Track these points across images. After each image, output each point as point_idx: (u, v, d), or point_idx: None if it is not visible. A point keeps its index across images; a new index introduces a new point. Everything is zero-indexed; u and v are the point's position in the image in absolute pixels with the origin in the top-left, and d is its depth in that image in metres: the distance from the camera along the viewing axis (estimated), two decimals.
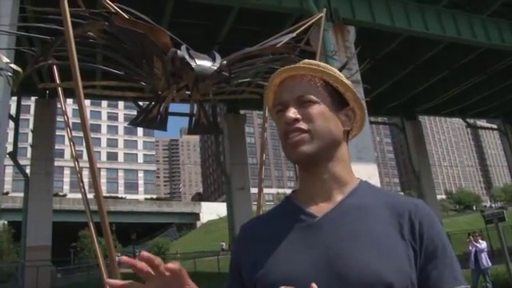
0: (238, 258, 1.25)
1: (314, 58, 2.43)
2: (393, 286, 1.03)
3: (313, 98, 1.21)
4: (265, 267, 1.14)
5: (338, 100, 1.25)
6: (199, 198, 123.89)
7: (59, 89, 3.84)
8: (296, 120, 1.19)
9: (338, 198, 1.19)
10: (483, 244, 13.83)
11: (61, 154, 78.07)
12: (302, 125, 1.19)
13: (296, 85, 1.24)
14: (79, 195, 3.53)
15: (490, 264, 13.60)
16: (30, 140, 24.23)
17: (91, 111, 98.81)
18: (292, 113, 1.19)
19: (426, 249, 1.10)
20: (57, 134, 23.88)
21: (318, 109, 1.20)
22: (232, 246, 1.32)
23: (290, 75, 1.27)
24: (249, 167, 26.41)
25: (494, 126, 41.82)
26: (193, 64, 3.47)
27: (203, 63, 3.53)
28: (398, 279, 1.04)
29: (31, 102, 31.37)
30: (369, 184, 1.26)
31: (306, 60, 1.30)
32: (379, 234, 1.10)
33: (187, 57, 3.48)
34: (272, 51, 3.95)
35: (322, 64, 1.27)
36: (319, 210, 1.18)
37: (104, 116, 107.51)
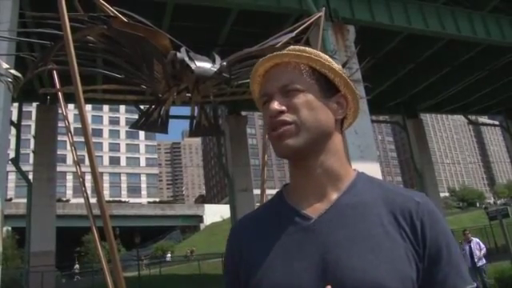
0: (233, 262, 1.20)
1: None
2: None
3: (298, 86, 1.14)
4: (259, 274, 1.08)
5: (327, 87, 1.17)
6: (202, 200, 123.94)
7: (60, 94, 3.84)
8: (281, 112, 1.12)
9: (333, 196, 1.13)
10: (474, 241, 13.76)
11: (63, 159, 78.09)
12: (288, 116, 1.11)
13: (280, 73, 1.17)
14: (82, 200, 3.52)
15: (484, 261, 13.59)
16: (32, 146, 24.24)
17: (93, 116, 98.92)
18: (276, 104, 1.12)
19: (429, 251, 1.05)
20: (59, 139, 23.87)
21: (304, 98, 1.13)
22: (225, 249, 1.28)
23: (274, 63, 1.20)
24: (251, 168, 26.36)
25: (496, 123, 41.75)
26: (193, 66, 3.46)
27: (203, 65, 3.53)
28: (398, 284, 0.99)
29: (33, 108, 31.40)
30: (367, 176, 1.19)
31: (292, 46, 1.23)
32: (378, 236, 1.05)
33: (187, 59, 3.48)
34: (272, 51, 3.93)
35: (308, 49, 1.20)
36: (313, 210, 1.11)
37: (105, 120, 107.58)
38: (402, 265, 1.02)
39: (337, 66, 1.18)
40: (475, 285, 1.08)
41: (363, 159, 13.46)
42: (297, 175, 1.18)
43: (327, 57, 1.20)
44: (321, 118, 1.13)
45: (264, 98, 1.19)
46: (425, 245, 1.05)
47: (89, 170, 2.81)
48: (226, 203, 57.03)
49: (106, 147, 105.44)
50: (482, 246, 13.76)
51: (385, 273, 1.00)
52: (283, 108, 1.12)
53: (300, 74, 1.16)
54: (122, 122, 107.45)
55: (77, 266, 45.03)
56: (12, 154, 20.85)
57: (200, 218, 72.59)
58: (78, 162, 3.54)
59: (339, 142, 1.19)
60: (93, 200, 3.29)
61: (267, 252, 1.10)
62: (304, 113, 1.12)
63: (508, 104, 31.18)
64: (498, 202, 78.95)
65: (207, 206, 78.21)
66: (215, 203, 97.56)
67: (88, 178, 3.66)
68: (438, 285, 1.05)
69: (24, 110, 23.03)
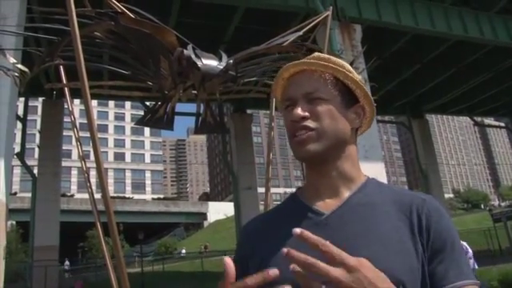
0: (244, 257, 1.20)
1: None
2: (403, 283, 1.00)
3: (322, 95, 1.18)
4: (269, 267, 1.06)
5: (347, 97, 1.22)
6: (206, 197, 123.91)
7: (66, 89, 3.85)
8: (304, 118, 1.16)
9: (345, 194, 1.17)
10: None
11: (68, 154, 78.28)
12: (310, 123, 1.16)
13: (305, 80, 1.21)
14: (87, 195, 3.54)
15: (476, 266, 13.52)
16: (37, 140, 24.33)
17: (98, 111, 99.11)
18: (300, 110, 1.16)
19: (432, 243, 1.08)
20: (64, 134, 23.91)
21: (327, 107, 1.17)
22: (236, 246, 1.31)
23: (300, 69, 1.24)
24: (256, 167, 26.39)
25: (502, 124, 41.55)
26: (199, 63, 3.46)
27: (210, 62, 3.53)
28: (408, 276, 1.01)
29: (39, 103, 31.53)
30: (377, 181, 1.24)
31: (317, 54, 1.27)
32: (388, 230, 1.08)
33: (193, 56, 3.48)
34: (278, 50, 3.93)
35: (333, 59, 1.24)
36: (326, 207, 1.16)
37: (111, 116, 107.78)
38: (411, 258, 1.05)
39: (357, 77, 1.23)
40: (479, 282, 1.08)
41: (368, 159, 13.46)
42: (312, 177, 1.23)
43: (350, 67, 1.25)
44: (340, 128, 1.19)
45: (287, 102, 1.23)
46: (429, 237, 1.08)
47: (94, 165, 2.81)
48: (230, 201, 57.09)
49: (111, 143, 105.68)
50: (465, 247, 13.54)
51: (393, 264, 1.02)
52: (306, 114, 1.17)
53: (325, 83, 1.20)
54: (128, 118, 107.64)
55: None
56: (17, 149, 20.93)
57: (204, 216, 72.65)
58: (84, 157, 3.54)
59: (353, 148, 1.24)
60: (97, 195, 3.30)
61: (279, 245, 1.10)
62: (326, 121, 1.17)
63: None
64: (503, 204, 78.78)
65: (211, 204, 78.26)
66: (219, 201, 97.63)
67: (93, 173, 3.67)
68: (438, 276, 1.06)
69: (30, 104, 23.16)
